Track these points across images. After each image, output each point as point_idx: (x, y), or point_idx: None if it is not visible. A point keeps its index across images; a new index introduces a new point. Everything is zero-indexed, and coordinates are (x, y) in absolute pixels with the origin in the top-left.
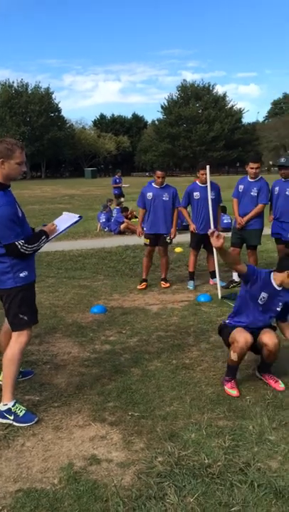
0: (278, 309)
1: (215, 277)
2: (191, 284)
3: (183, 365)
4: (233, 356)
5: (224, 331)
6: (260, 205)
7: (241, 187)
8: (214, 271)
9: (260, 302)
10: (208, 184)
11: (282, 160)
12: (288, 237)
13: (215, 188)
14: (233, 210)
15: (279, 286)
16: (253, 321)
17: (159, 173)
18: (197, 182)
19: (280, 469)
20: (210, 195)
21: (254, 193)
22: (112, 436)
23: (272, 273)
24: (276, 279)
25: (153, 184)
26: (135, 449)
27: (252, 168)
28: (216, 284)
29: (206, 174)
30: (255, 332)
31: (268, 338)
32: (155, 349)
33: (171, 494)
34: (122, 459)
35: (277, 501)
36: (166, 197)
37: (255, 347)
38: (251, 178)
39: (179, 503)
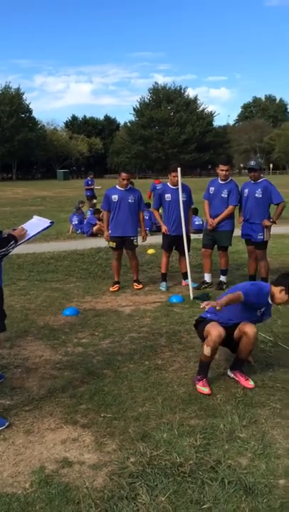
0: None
1: (187, 278)
2: (163, 286)
3: (155, 366)
4: (206, 351)
5: (201, 324)
6: (230, 207)
7: (212, 189)
8: (186, 272)
9: (258, 313)
10: (180, 186)
11: (252, 163)
12: (258, 239)
13: (186, 190)
14: (204, 211)
15: (271, 299)
16: (235, 318)
17: (124, 175)
18: (168, 184)
19: (250, 466)
20: (181, 197)
21: (225, 194)
22: (84, 439)
23: (270, 287)
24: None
25: (117, 186)
26: (107, 450)
27: (222, 170)
28: (187, 285)
29: (177, 176)
30: (231, 328)
31: (249, 327)
32: (128, 350)
33: (143, 494)
34: (94, 460)
35: (247, 497)
36: (131, 199)
37: (231, 344)
38: (222, 180)
39: (150, 503)
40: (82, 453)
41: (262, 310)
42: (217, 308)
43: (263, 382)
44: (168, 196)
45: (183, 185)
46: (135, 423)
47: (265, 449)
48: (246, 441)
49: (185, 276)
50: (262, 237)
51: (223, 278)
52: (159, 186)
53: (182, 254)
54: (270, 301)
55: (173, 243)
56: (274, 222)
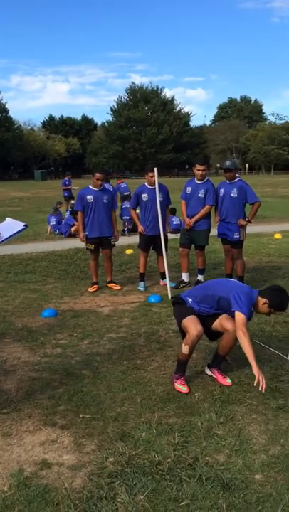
0: None
1: (165, 278)
2: (141, 286)
3: (134, 365)
4: (184, 349)
5: (180, 309)
6: (207, 206)
7: (189, 189)
8: (164, 272)
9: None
10: (157, 186)
11: (228, 163)
12: (234, 238)
13: (163, 189)
14: (181, 211)
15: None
16: (215, 309)
17: (98, 175)
18: (146, 184)
19: (227, 462)
20: (158, 197)
21: (201, 194)
22: (63, 440)
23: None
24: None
25: (91, 186)
26: (86, 451)
27: (199, 170)
28: (166, 284)
29: (154, 176)
30: (211, 317)
31: (230, 324)
32: (106, 351)
33: (122, 493)
34: (73, 461)
35: (224, 493)
36: (106, 199)
37: (209, 332)
38: (198, 180)
39: (129, 502)
40: (61, 454)
41: None
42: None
43: (240, 379)
44: (145, 196)
45: (160, 185)
46: (114, 423)
47: (242, 445)
48: (223, 438)
49: (163, 276)
50: (238, 236)
51: (200, 277)
52: (123, 185)
53: (160, 254)
54: (252, 308)
55: (150, 243)
56: (249, 222)
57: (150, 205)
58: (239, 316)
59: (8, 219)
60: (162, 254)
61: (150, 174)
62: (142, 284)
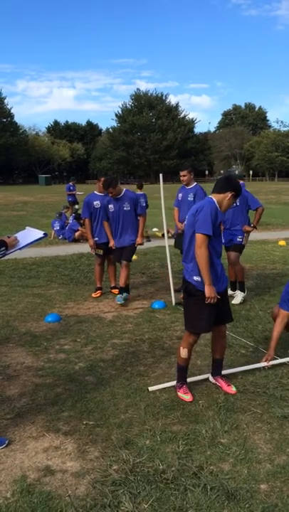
0: None
1: (124, 292)
2: (119, 298)
3: (137, 372)
4: (183, 353)
5: (195, 301)
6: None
7: (180, 195)
8: (125, 286)
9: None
10: (162, 192)
11: (236, 172)
12: (237, 241)
13: (129, 199)
14: (174, 218)
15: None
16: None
17: (102, 179)
18: (95, 192)
19: (232, 471)
20: (125, 207)
21: (190, 198)
22: (67, 446)
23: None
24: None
25: (96, 192)
26: (90, 458)
27: (180, 176)
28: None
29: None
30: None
31: (223, 327)
32: (110, 357)
33: (126, 501)
34: (77, 468)
35: (229, 503)
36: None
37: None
38: (186, 185)
39: (133, 510)
40: (65, 461)
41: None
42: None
43: (245, 387)
44: (111, 207)
45: (127, 195)
46: (118, 430)
47: (247, 454)
48: (228, 447)
49: (122, 290)
50: (241, 240)
51: None
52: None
53: (125, 259)
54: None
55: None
56: (255, 228)
57: (116, 217)
58: (197, 236)
59: (27, 228)
60: (125, 264)
61: (110, 190)
62: (120, 296)
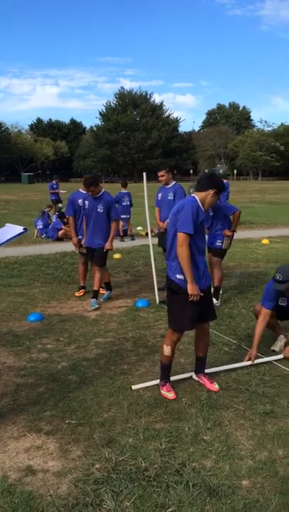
0: None
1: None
2: (93, 303)
3: (121, 370)
4: (166, 351)
5: (178, 299)
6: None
7: (160, 195)
8: (96, 291)
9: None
10: (145, 191)
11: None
12: (216, 245)
13: (105, 200)
14: (155, 218)
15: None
16: (201, 275)
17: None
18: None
19: (214, 468)
20: (99, 208)
21: (170, 197)
22: (49, 446)
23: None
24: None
25: (81, 190)
26: (72, 457)
27: (159, 177)
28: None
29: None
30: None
31: (206, 325)
32: (93, 356)
33: (108, 500)
34: (59, 468)
35: (211, 499)
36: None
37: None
38: (165, 185)
39: (116, 509)
40: (46, 461)
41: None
42: None
43: (227, 384)
44: (86, 203)
45: (103, 196)
46: (100, 428)
47: (229, 451)
48: (210, 444)
49: (95, 295)
50: (220, 244)
51: None
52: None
53: (96, 265)
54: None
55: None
56: (234, 231)
57: (88, 215)
58: (178, 235)
59: (7, 224)
60: (99, 268)
61: (91, 188)
62: (93, 301)
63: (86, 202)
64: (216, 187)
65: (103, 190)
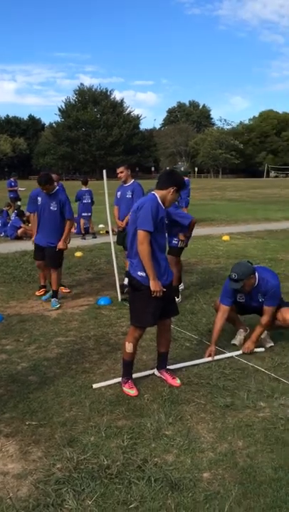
0: None
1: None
2: (53, 303)
3: (83, 369)
4: (128, 348)
5: (140, 296)
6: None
7: (118, 193)
8: (55, 290)
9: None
10: (106, 189)
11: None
12: (172, 243)
13: (59, 198)
14: (114, 216)
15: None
16: (163, 272)
17: (54, 176)
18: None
19: (176, 462)
20: (52, 206)
21: (129, 195)
22: (8, 448)
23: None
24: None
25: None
26: (33, 458)
27: (118, 173)
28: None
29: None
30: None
31: (168, 321)
32: (54, 355)
33: (70, 499)
34: (19, 470)
35: (172, 493)
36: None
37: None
38: (124, 183)
39: (77, 508)
40: (6, 463)
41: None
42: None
43: (189, 379)
44: (39, 199)
45: (57, 194)
46: (62, 428)
47: (190, 445)
48: (172, 438)
49: (55, 293)
50: (176, 242)
51: (126, 281)
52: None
53: (49, 266)
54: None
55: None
56: (189, 236)
57: (42, 212)
58: (139, 233)
59: None
60: (54, 269)
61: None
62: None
63: (39, 198)
64: (176, 184)
65: (57, 188)
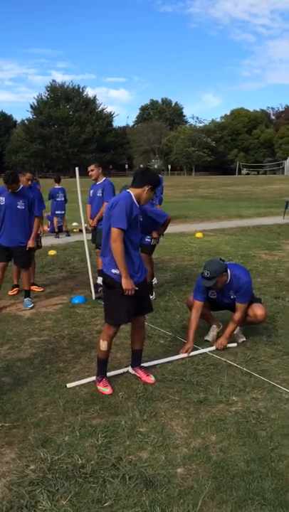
0: None
1: (27, 297)
2: (27, 303)
3: (57, 369)
4: (103, 346)
5: (114, 294)
6: (105, 204)
7: (91, 192)
8: (28, 290)
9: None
10: (78, 187)
11: (155, 166)
12: (145, 241)
13: (27, 198)
14: (86, 214)
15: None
16: (136, 269)
17: (28, 175)
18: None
19: (150, 459)
20: (19, 205)
21: (99, 193)
22: None
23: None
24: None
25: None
26: (6, 460)
27: (89, 171)
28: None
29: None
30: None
31: (142, 318)
32: (28, 355)
33: (44, 500)
34: None
35: (147, 490)
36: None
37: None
38: (95, 181)
39: (52, 508)
40: None
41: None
42: None
43: (163, 376)
44: (1, 199)
45: (23, 192)
46: (36, 429)
47: (165, 441)
48: (147, 435)
49: (28, 293)
50: (149, 240)
51: (100, 280)
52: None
53: (19, 267)
54: (137, 204)
55: (9, 255)
56: (162, 234)
57: (7, 212)
58: (112, 230)
59: None
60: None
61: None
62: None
63: (1, 198)
64: (150, 183)
65: (22, 185)
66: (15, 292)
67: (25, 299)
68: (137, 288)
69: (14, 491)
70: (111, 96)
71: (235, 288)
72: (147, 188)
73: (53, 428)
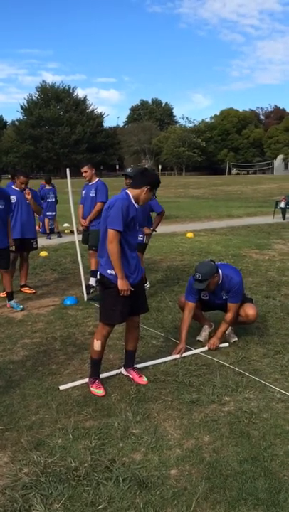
0: None
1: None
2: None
3: (49, 371)
4: (96, 346)
5: (110, 293)
6: (98, 204)
7: (83, 192)
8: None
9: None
10: (70, 187)
11: (128, 170)
12: (138, 240)
13: (6, 198)
14: (78, 215)
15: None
16: (132, 270)
17: (22, 178)
18: None
19: (144, 460)
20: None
21: (92, 194)
22: None
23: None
24: None
25: (13, 187)
26: None
27: (82, 173)
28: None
29: None
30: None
31: (136, 318)
32: (20, 358)
33: (37, 504)
34: None
35: (141, 492)
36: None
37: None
38: (88, 181)
39: None
40: None
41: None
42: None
43: (156, 377)
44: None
45: (1, 192)
46: (28, 432)
47: (158, 442)
48: (140, 437)
49: (11, 295)
50: (142, 238)
51: (92, 281)
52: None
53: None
54: (136, 206)
55: None
56: (154, 230)
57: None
58: (108, 232)
59: None
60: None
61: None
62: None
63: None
64: (149, 183)
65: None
66: (5, 295)
67: (11, 301)
68: (132, 289)
69: (7, 494)
70: (101, 96)
71: (227, 288)
72: (146, 189)
73: (46, 431)
